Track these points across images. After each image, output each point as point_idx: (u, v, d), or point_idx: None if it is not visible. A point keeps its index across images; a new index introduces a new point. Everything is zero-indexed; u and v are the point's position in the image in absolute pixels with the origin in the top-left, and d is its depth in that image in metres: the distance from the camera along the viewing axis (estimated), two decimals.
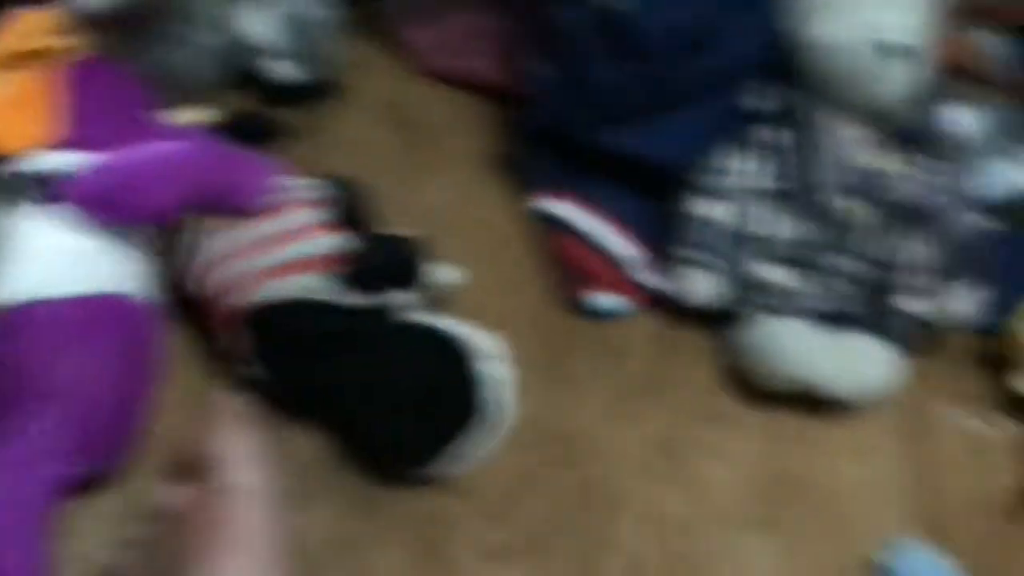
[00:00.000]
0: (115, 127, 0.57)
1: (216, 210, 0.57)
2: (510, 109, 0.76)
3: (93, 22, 0.57)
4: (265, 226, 0.58)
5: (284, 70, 0.72)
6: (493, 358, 0.56)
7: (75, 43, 0.56)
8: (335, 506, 0.56)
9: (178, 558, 0.42)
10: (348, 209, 0.60)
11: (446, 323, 0.58)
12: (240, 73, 0.71)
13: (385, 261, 0.59)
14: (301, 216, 0.59)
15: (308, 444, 0.58)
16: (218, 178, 0.56)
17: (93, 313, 0.53)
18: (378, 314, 0.57)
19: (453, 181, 0.73)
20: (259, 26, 0.69)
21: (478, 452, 0.56)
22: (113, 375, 0.53)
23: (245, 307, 0.56)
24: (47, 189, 0.54)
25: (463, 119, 0.77)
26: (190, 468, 0.45)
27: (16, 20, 0.55)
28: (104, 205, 0.54)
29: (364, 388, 0.56)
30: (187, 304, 0.59)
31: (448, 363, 0.56)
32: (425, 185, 0.72)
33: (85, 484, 0.53)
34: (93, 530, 0.53)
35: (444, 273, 0.62)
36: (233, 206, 0.57)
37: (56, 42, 0.55)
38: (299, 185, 0.60)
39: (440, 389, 0.56)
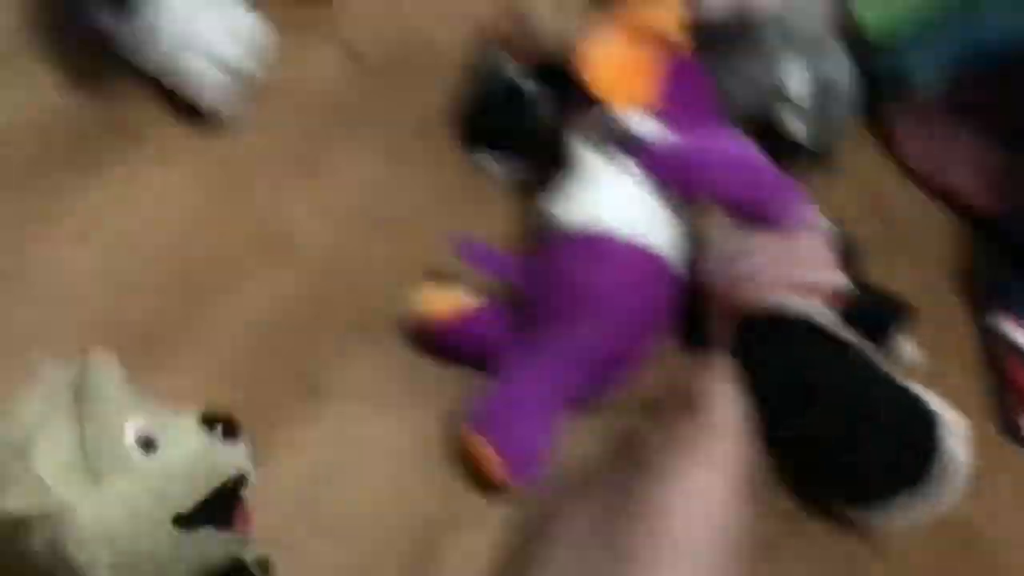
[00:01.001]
0: (693, 114, 0.64)
1: (753, 213, 0.63)
2: (981, 227, 0.78)
3: (700, 26, 0.65)
4: (785, 243, 0.63)
5: (797, 127, 0.77)
6: (959, 435, 0.58)
7: (683, 37, 0.64)
8: None
9: (655, 466, 0.47)
10: (846, 255, 0.65)
11: (917, 387, 0.60)
12: (759, 114, 0.77)
13: (878, 311, 0.62)
14: (815, 246, 0.63)
15: None
16: (767, 186, 0.62)
17: (639, 260, 0.61)
18: (862, 358, 0.61)
19: (918, 276, 0.76)
20: (796, 80, 0.75)
21: (918, 516, 0.58)
22: (638, 316, 0.61)
23: (749, 306, 0.61)
24: (631, 144, 0.61)
25: (934, 223, 0.80)
26: (675, 405, 0.50)
27: (654, 4, 0.63)
28: (675, 175, 0.61)
29: (833, 418, 0.59)
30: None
31: (917, 425, 0.58)
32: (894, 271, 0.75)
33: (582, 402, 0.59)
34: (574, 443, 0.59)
35: (910, 349, 0.65)
36: (768, 215, 0.63)
37: (673, 31, 0.63)
38: (819, 218, 0.65)
39: (905, 446, 0.58)
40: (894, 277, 0.74)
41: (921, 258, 0.78)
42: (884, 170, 0.83)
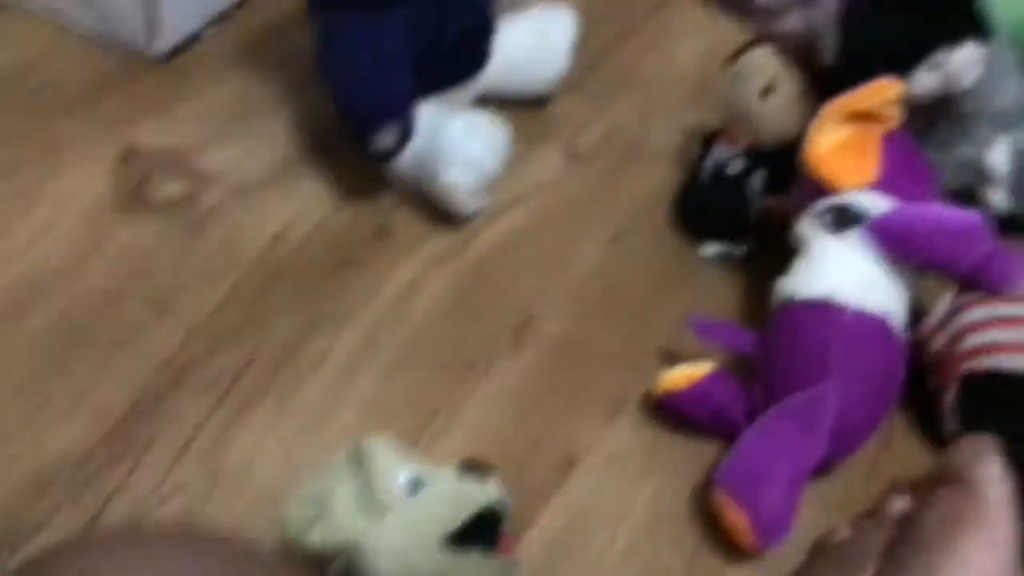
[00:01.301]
0: (911, 187, 0.69)
1: (972, 277, 0.66)
2: None
3: (912, 102, 0.69)
4: (1007, 307, 0.66)
5: (999, 199, 0.80)
6: None
7: (895, 112, 0.68)
8: None
9: (934, 544, 0.49)
10: None
11: None
12: (964, 187, 0.81)
13: None
14: None
15: None
16: (985, 250, 0.66)
17: (868, 327, 0.65)
18: None
19: None
20: (998, 153, 0.79)
21: None
22: (869, 381, 0.64)
23: (973, 369, 0.64)
24: (856, 222, 0.66)
25: None
26: (946, 482, 0.52)
27: (872, 84, 0.68)
28: (897, 243, 0.65)
29: None
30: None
31: None
32: None
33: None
34: (809, 515, 0.62)
35: None
36: (987, 279, 0.66)
37: (887, 108, 0.67)
38: None
39: None
40: None
41: None
42: None
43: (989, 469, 0.50)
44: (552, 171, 0.83)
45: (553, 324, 0.73)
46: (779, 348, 0.66)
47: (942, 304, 0.69)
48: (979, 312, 0.66)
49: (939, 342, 0.67)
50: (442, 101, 0.77)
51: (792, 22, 0.94)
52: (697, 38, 0.96)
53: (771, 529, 0.60)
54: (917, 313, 0.71)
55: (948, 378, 0.66)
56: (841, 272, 0.66)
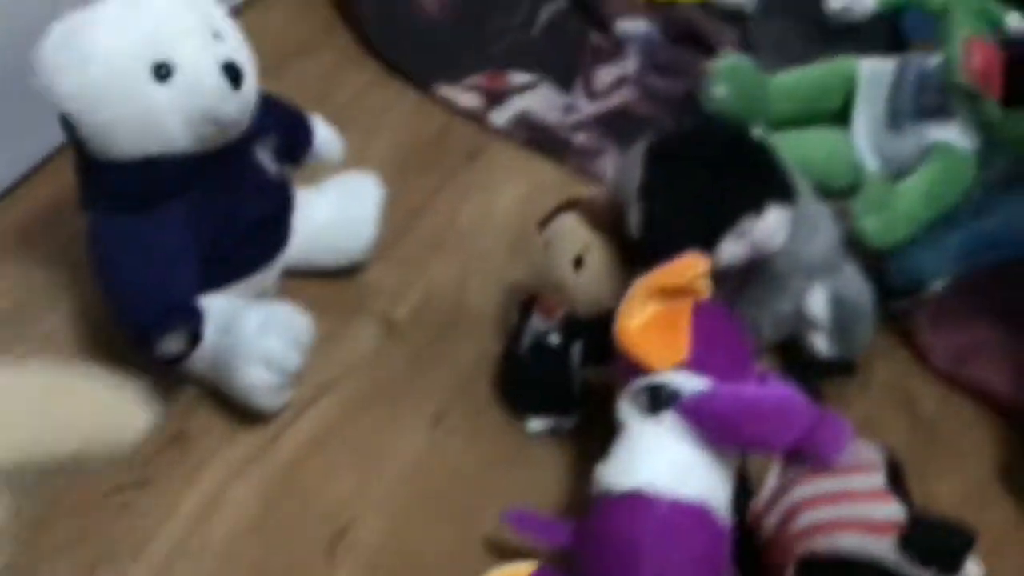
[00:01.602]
0: (725, 358, 0.66)
1: (797, 454, 0.64)
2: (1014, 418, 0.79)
3: (720, 273, 0.68)
4: (838, 479, 0.64)
5: (822, 346, 0.80)
6: None
7: (704, 285, 0.66)
8: None
9: None
10: (894, 476, 0.65)
11: None
12: (786, 337, 0.80)
13: (941, 543, 0.63)
14: (867, 478, 0.64)
15: None
16: (811, 427, 0.64)
17: (684, 517, 0.61)
18: None
19: (958, 480, 0.77)
20: (816, 303, 0.78)
21: None
22: (687, 573, 0.60)
23: (809, 551, 0.62)
24: (670, 402, 0.63)
25: (969, 422, 0.81)
26: None
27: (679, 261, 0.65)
28: (722, 427, 0.62)
29: None
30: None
31: None
32: (934, 477, 0.76)
33: None
34: None
35: (974, 571, 0.65)
36: (816, 456, 0.64)
37: (696, 283, 0.65)
38: (865, 447, 0.66)
39: None
40: (936, 482, 0.76)
41: (960, 458, 0.79)
42: (911, 371, 0.85)
43: None
44: (366, 348, 0.78)
45: (371, 532, 0.68)
46: (593, 544, 0.62)
47: (770, 480, 0.66)
48: (808, 488, 0.64)
49: (771, 521, 0.64)
50: (240, 289, 0.72)
51: (607, 164, 0.94)
52: (516, 183, 0.93)
53: None
54: (746, 487, 0.69)
55: (783, 563, 0.63)
56: (655, 459, 0.63)
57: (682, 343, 0.65)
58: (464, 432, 0.74)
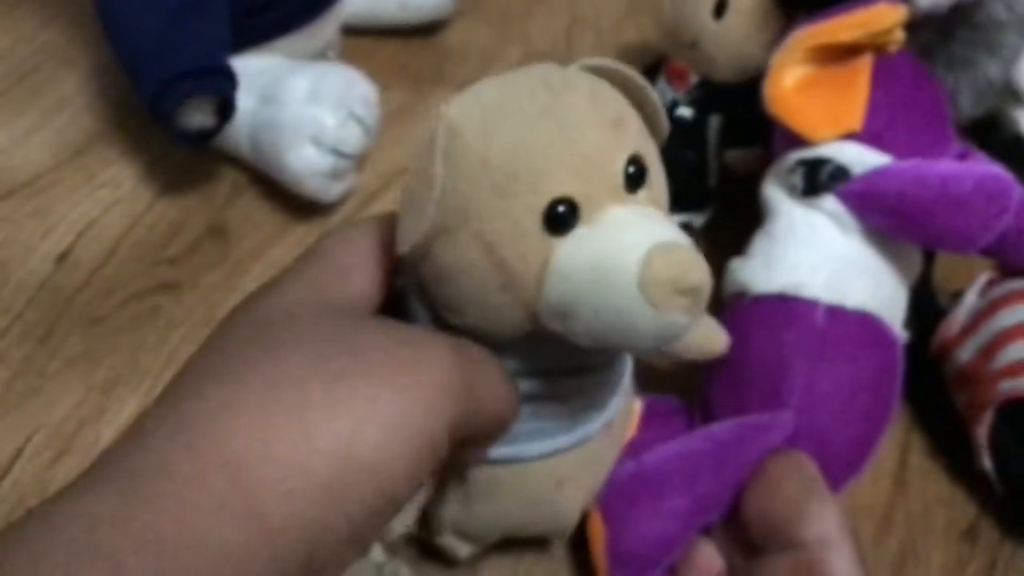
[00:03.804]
0: (915, 132, 0.49)
1: (1003, 258, 0.48)
2: None
3: (915, 23, 0.50)
4: None
5: None
6: None
7: (894, 37, 0.49)
8: None
9: None
10: None
11: None
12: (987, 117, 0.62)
13: None
14: None
15: None
16: (1009, 217, 0.47)
17: (847, 328, 0.46)
18: None
19: None
20: None
21: None
22: (851, 407, 0.46)
23: (1011, 393, 0.47)
24: (835, 183, 0.47)
25: None
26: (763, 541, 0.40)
27: (859, 12, 0.48)
28: (904, 212, 0.46)
29: None
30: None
31: None
32: None
33: None
34: None
35: None
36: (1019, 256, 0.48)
37: (882, 37, 0.48)
38: None
39: None
40: None
41: None
42: None
43: (826, 528, 0.39)
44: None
45: None
46: (728, 361, 0.48)
47: (969, 297, 0.51)
48: (1019, 312, 0.48)
49: (966, 353, 0.49)
50: (288, 47, 0.58)
51: None
52: None
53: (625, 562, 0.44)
54: (931, 301, 0.53)
55: (980, 404, 0.48)
56: (811, 254, 0.47)
57: (856, 108, 0.48)
58: None
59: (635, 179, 0.31)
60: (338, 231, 0.33)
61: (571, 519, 0.42)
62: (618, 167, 0.31)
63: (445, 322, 0.33)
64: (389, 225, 0.33)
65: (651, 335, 0.29)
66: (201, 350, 0.29)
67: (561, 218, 0.30)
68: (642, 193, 0.32)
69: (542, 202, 0.30)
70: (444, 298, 0.32)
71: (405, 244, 0.30)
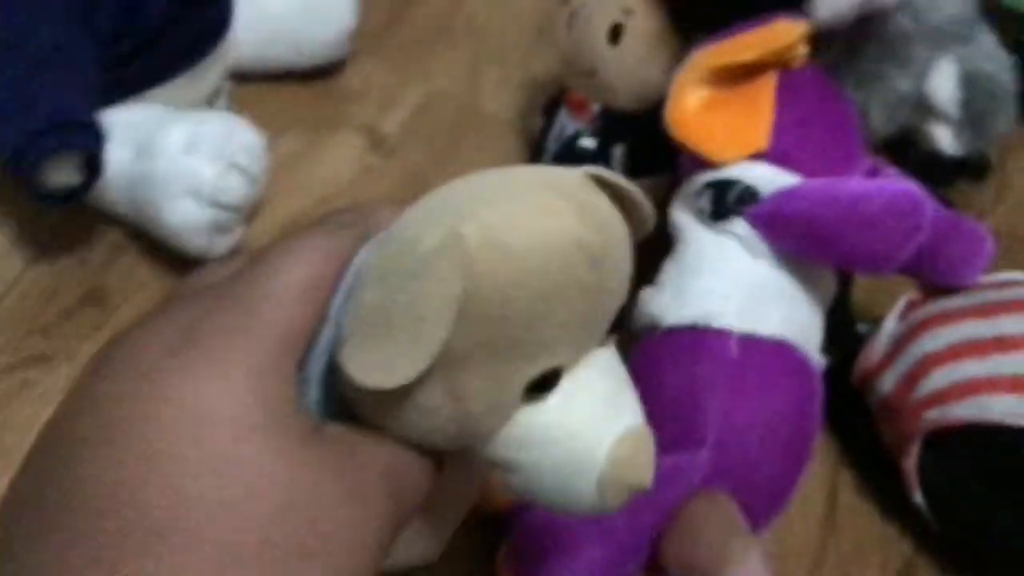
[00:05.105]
0: (823, 150, 0.47)
1: (920, 275, 0.46)
2: None
3: (818, 39, 0.48)
4: (979, 325, 0.45)
5: (947, 140, 0.60)
6: None
7: (797, 52, 0.47)
8: None
9: None
10: None
11: None
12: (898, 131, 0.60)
13: None
14: (1021, 319, 0.46)
15: None
16: (939, 237, 0.45)
17: (762, 359, 0.44)
18: None
19: None
20: (942, 81, 0.58)
21: None
22: (770, 440, 0.43)
23: (939, 423, 0.44)
24: (744, 201, 0.45)
25: None
26: None
27: (760, 30, 0.46)
28: (816, 234, 0.44)
29: None
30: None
31: None
32: None
33: None
34: None
35: None
36: (947, 277, 0.46)
37: (785, 53, 0.46)
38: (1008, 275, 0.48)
39: None
40: None
41: None
42: None
43: (750, 572, 0.37)
44: (347, 170, 0.60)
45: None
46: (640, 400, 0.45)
47: (889, 322, 0.48)
48: (942, 334, 0.46)
49: (888, 383, 0.47)
50: (168, 96, 0.54)
51: None
52: None
53: None
54: (849, 327, 0.51)
55: (906, 435, 0.45)
56: (723, 281, 0.45)
57: (761, 127, 0.46)
58: None
59: (616, 325, 0.29)
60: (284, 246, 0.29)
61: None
62: (610, 323, 0.28)
63: (341, 408, 0.29)
64: (345, 242, 0.29)
65: (584, 511, 0.28)
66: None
67: (544, 386, 0.27)
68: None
69: (534, 372, 0.27)
70: (375, 412, 0.28)
71: (373, 378, 0.25)
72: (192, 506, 0.23)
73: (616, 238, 0.28)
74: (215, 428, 0.24)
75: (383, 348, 0.25)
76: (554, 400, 0.27)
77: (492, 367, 0.26)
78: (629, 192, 0.29)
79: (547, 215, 0.26)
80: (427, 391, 0.26)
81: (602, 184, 0.29)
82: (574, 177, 0.28)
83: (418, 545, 0.37)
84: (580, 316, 0.27)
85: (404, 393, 0.26)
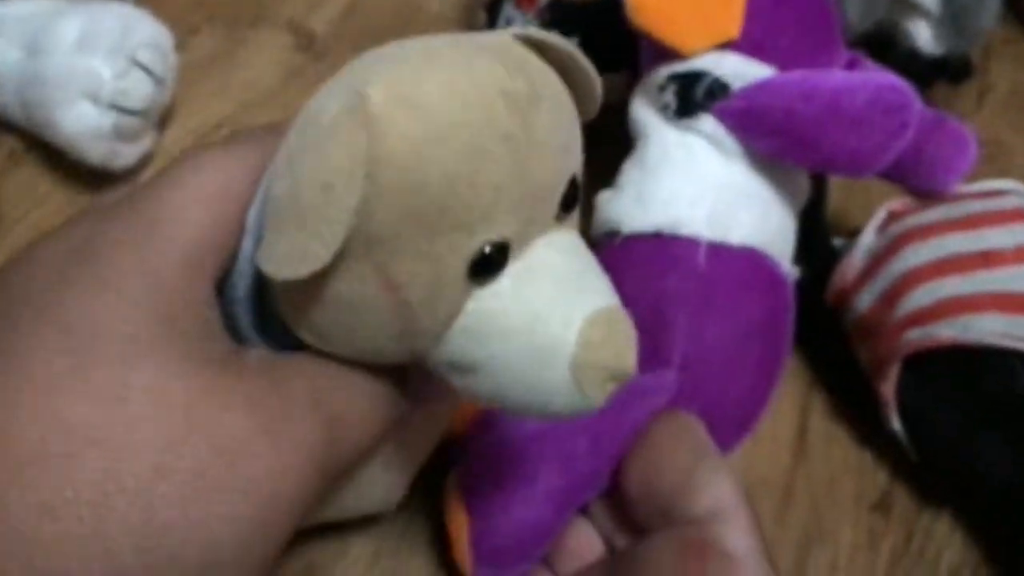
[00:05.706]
0: (798, 40, 0.42)
1: (903, 178, 0.43)
2: None
3: None
4: (963, 238, 0.42)
5: (925, 35, 0.55)
6: None
7: None
8: None
9: None
10: None
11: None
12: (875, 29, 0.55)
13: None
14: (1007, 231, 0.42)
15: None
16: (923, 135, 0.41)
17: (732, 268, 0.40)
18: None
19: None
20: None
21: None
22: (746, 356, 0.40)
23: (920, 343, 0.40)
24: (713, 95, 0.41)
25: None
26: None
27: None
28: (790, 131, 0.39)
29: None
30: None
31: None
32: None
33: None
34: None
35: None
36: (927, 181, 0.42)
37: None
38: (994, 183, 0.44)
39: None
40: None
41: None
42: None
43: (719, 497, 0.33)
44: (270, 73, 0.55)
45: None
46: None
47: (867, 235, 0.44)
48: (923, 250, 0.42)
49: (865, 301, 0.43)
50: None
51: None
52: None
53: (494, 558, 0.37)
54: (824, 240, 0.47)
55: (884, 357, 0.42)
56: (690, 184, 0.41)
57: (732, 12, 0.41)
58: None
59: (569, 203, 0.26)
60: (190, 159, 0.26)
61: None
62: (559, 195, 0.25)
63: (280, 329, 0.26)
64: (258, 150, 0.26)
65: (562, 412, 0.25)
66: None
67: (490, 264, 0.24)
68: (571, 215, 0.26)
69: (474, 246, 0.23)
70: (309, 321, 0.25)
71: (287, 268, 0.22)
72: (68, 433, 0.22)
73: (549, 90, 0.24)
74: (100, 349, 0.23)
75: (295, 235, 0.22)
76: (507, 281, 0.24)
77: (423, 243, 0.23)
78: (568, 53, 0.25)
79: (463, 67, 0.23)
80: (356, 282, 0.23)
81: (534, 46, 0.25)
82: (499, 37, 0.25)
83: (375, 491, 0.34)
84: (514, 176, 0.23)
85: (333, 289, 0.24)
